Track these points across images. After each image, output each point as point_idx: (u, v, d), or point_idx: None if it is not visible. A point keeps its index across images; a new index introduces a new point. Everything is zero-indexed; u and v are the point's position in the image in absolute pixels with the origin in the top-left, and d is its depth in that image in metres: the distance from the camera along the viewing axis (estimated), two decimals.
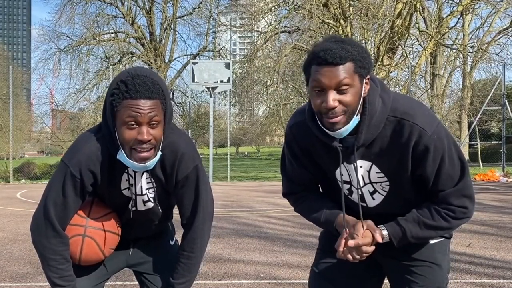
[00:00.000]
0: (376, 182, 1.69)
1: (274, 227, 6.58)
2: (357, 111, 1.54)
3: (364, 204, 1.74)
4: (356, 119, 1.55)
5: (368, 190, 1.71)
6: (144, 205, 1.86)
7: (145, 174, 1.79)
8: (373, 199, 1.72)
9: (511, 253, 4.99)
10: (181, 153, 1.78)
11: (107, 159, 1.73)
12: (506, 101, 16.72)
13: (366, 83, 1.55)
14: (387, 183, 1.68)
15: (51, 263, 1.75)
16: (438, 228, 1.65)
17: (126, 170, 1.78)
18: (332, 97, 1.49)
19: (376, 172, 1.67)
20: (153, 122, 1.62)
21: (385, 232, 1.65)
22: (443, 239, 1.75)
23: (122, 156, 1.67)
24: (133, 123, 1.60)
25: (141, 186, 1.81)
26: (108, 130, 1.69)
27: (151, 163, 1.68)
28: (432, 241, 1.73)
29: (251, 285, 3.94)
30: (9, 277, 4.22)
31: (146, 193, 1.83)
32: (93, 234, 1.80)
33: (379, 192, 1.71)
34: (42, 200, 1.78)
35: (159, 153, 1.70)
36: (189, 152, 1.81)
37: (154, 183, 1.82)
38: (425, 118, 1.58)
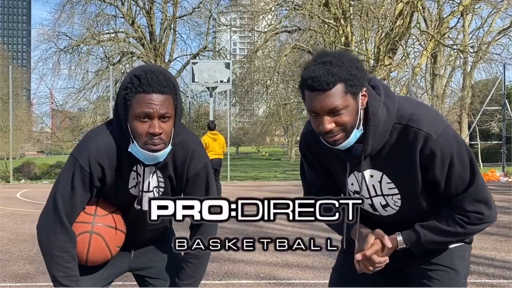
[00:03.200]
0: (387, 195, 1.68)
1: (274, 227, 6.57)
2: (357, 125, 1.54)
3: (377, 213, 1.74)
4: (357, 132, 1.55)
5: (380, 203, 1.71)
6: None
7: (156, 172, 1.80)
8: (385, 211, 1.73)
9: (511, 253, 4.99)
10: (192, 150, 1.81)
11: (116, 153, 1.74)
12: (506, 101, 16.72)
13: (363, 95, 1.54)
14: (399, 196, 1.67)
15: (57, 261, 1.72)
16: (454, 234, 1.64)
17: (134, 168, 1.78)
18: (328, 121, 1.50)
19: (387, 183, 1.66)
20: (165, 117, 1.65)
21: (400, 238, 1.66)
22: (462, 244, 1.75)
23: (134, 148, 1.68)
24: (145, 117, 1.63)
25: (149, 183, 1.80)
26: (120, 124, 1.70)
27: (162, 154, 1.69)
28: (451, 246, 1.72)
29: (251, 285, 3.94)
30: (9, 277, 4.22)
31: (153, 191, 1.83)
32: (101, 231, 1.79)
33: (391, 207, 1.70)
34: (51, 194, 1.77)
35: (170, 146, 1.72)
36: (199, 149, 1.84)
37: (164, 182, 1.82)
38: (430, 123, 1.57)
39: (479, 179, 1.60)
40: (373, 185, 1.68)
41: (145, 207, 1.83)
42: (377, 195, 1.70)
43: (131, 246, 1.96)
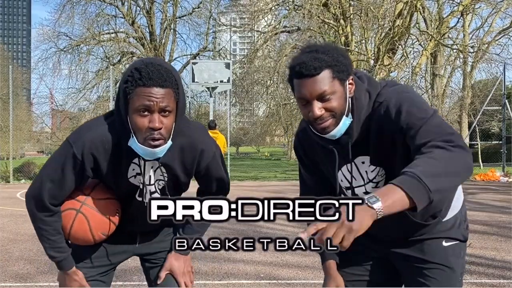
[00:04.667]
0: (374, 179, 1.68)
1: (274, 227, 6.57)
2: (346, 112, 1.56)
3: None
4: (347, 120, 1.57)
5: (371, 187, 1.71)
6: (151, 196, 1.84)
7: (160, 168, 1.79)
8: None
9: (511, 253, 5.00)
10: (200, 150, 1.80)
11: (113, 146, 1.73)
12: (506, 101, 16.72)
13: (350, 83, 1.58)
14: (383, 172, 1.66)
15: (42, 233, 1.79)
16: (448, 160, 1.34)
17: (133, 161, 1.77)
18: (317, 107, 1.53)
19: (369, 166, 1.66)
20: (165, 111, 1.62)
21: (377, 205, 1.23)
22: (457, 242, 1.74)
23: (133, 143, 1.67)
24: (145, 110, 1.61)
25: (150, 176, 1.80)
26: (120, 117, 1.69)
27: (161, 150, 1.68)
28: (445, 244, 1.72)
29: (251, 285, 3.95)
30: (9, 277, 4.22)
31: (154, 184, 1.82)
32: (87, 212, 1.79)
33: (378, 186, 1.68)
34: (40, 173, 1.79)
35: (170, 142, 1.70)
36: (207, 145, 1.83)
37: (167, 177, 1.82)
38: (392, 92, 1.59)
39: (435, 117, 1.49)
40: (365, 171, 1.68)
41: (147, 199, 1.84)
42: (367, 182, 1.69)
43: (136, 234, 1.98)
